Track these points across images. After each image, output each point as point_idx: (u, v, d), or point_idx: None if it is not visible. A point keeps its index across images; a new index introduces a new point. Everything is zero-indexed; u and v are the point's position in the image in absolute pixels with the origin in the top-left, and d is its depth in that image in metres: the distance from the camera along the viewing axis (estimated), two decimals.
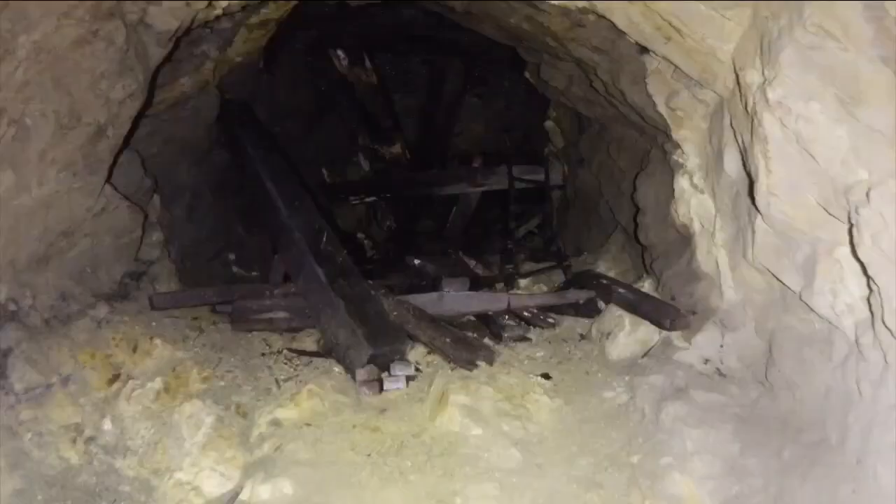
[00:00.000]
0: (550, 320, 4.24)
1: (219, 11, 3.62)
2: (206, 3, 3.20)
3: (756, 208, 2.64)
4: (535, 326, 4.23)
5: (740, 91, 2.62)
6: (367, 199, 7.29)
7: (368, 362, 3.29)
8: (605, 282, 4.22)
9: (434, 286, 4.94)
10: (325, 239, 3.74)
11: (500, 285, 5.38)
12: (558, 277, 5.27)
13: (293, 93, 6.98)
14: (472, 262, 5.62)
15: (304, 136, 7.37)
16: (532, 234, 7.16)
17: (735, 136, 2.85)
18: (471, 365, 3.26)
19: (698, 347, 3.27)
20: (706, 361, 3.27)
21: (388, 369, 3.37)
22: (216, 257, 6.09)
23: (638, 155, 4.41)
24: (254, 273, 6.08)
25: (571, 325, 4.26)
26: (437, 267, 5.32)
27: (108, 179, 3.70)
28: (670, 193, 3.72)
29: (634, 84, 3.51)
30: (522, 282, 5.16)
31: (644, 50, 3.36)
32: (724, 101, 2.99)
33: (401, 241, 7.54)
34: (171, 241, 5.03)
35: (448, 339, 3.42)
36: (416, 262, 5.31)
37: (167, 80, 4.35)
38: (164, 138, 4.87)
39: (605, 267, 5.05)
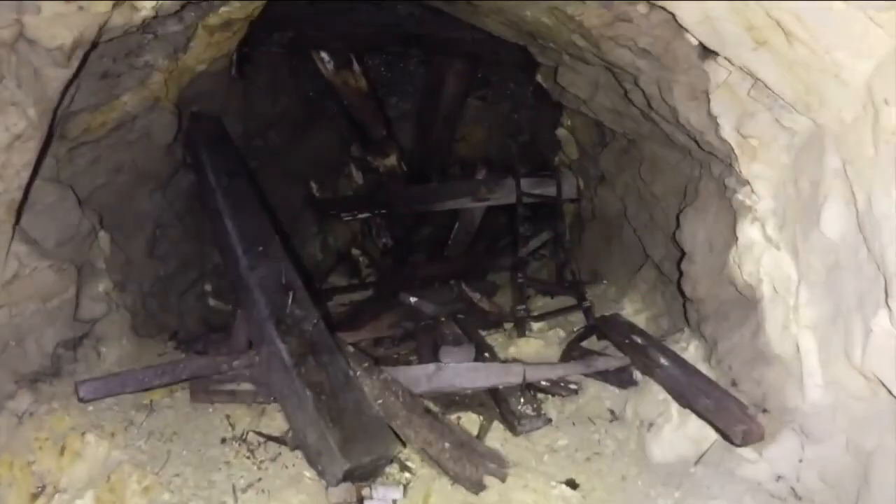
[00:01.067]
0: (572, 386, 3.36)
1: (147, 13, 2.72)
2: (109, 4, 2.29)
3: (887, 305, 1.74)
4: (553, 395, 3.36)
5: (874, 130, 1.70)
6: (360, 216, 6.38)
7: (344, 478, 2.41)
8: (640, 340, 3.33)
9: (432, 332, 4.09)
10: (291, 300, 2.85)
11: (507, 325, 4.51)
12: (577, 317, 4.37)
13: (275, 101, 6.05)
14: (476, 296, 4.73)
15: (289, 148, 6.45)
16: (541, 253, 6.27)
17: (849, 187, 1.94)
18: (477, 487, 2.39)
19: (770, 461, 2.41)
20: (778, 479, 2.42)
21: (369, 482, 2.49)
22: (189, 291, 5.21)
23: (679, 182, 3.49)
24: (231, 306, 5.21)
25: (598, 392, 3.39)
26: (435, 305, 4.43)
27: (21, 236, 2.83)
28: (730, 240, 2.83)
29: (692, 99, 2.60)
30: (535, 325, 4.26)
31: (707, 55, 2.44)
32: (826, 135, 2.07)
33: (398, 261, 6.64)
34: (126, 285, 4.17)
35: (447, 445, 2.54)
36: (412, 300, 4.42)
37: (104, 100, 3.46)
38: (113, 166, 3.98)
39: (632, 308, 4.16)
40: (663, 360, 3.05)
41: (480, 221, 6.33)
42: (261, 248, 3.18)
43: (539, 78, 4.47)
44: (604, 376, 3.28)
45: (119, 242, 4.18)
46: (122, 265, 4.18)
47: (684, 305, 3.50)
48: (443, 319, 4.21)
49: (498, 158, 8.29)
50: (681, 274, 3.29)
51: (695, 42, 2.49)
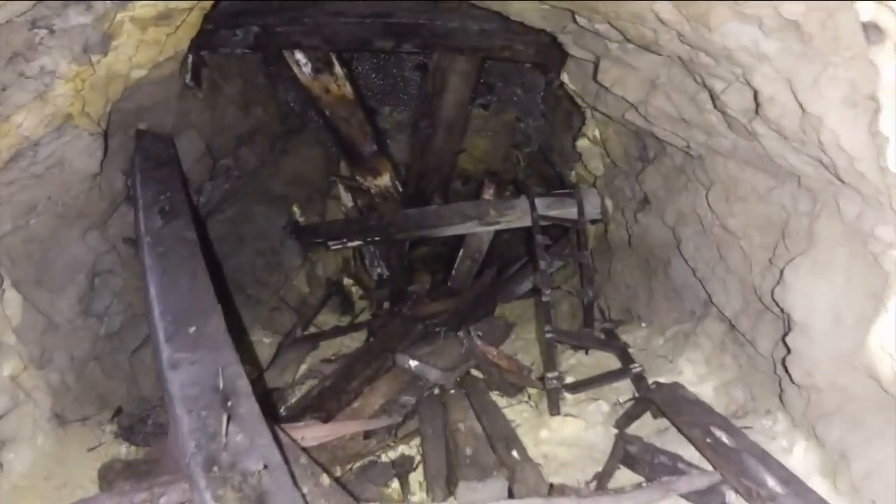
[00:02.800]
0: None
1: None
2: None
3: None
4: None
5: None
6: (350, 244, 5.33)
7: None
8: (727, 440, 2.29)
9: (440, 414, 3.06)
10: (227, 422, 1.80)
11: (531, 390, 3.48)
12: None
13: (248, 112, 4.99)
14: (491, 352, 3.69)
15: (267, 167, 5.39)
16: (557, 281, 5.24)
17: None
18: None
19: None
20: None
21: None
22: (144, 347, 4.16)
23: (771, 218, 2.47)
24: None
25: None
26: (441, 369, 3.39)
27: None
28: (871, 314, 1.82)
29: (849, 106, 1.57)
30: (570, 396, 3.22)
31: (880, 38, 1.40)
32: None
33: (395, 293, 5.58)
34: (48, 359, 3.15)
35: None
36: (412, 363, 3.37)
37: None
38: (20, 207, 2.95)
39: (693, 373, 3.13)
40: (773, 484, 2.02)
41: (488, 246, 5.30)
42: (192, 330, 2.12)
43: (565, 77, 3.43)
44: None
45: (38, 303, 3.15)
46: (43, 332, 3.15)
47: (780, 385, 2.47)
48: (451, 391, 3.18)
49: (503, 172, 7.30)
50: (787, 350, 2.25)
51: (865, 17, 1.45)
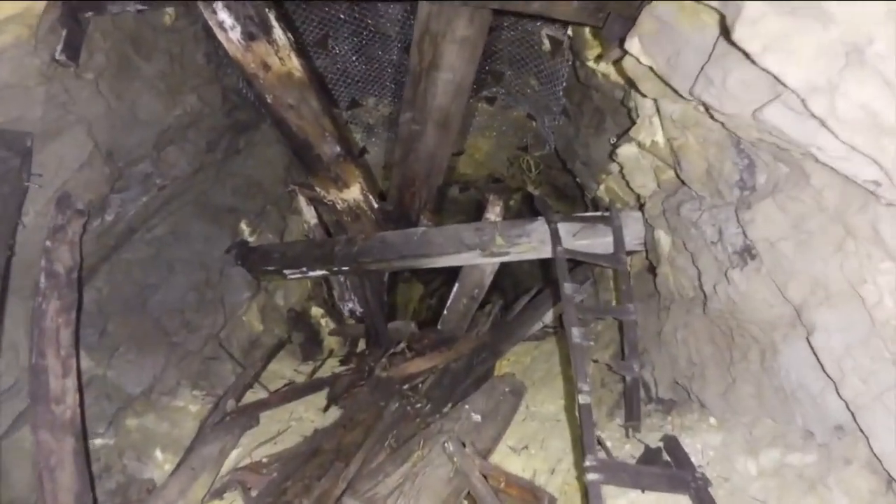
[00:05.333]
0: None
1: None
2: None
3: None
4: None
5: None
6: (311, 275, 3.85)
7: None
8: None
9: None
10: None
11: None
12: None
13: (174, 101, 3.51)
14: (494, 475, 2.24)
15: (206, 171, 3.91)
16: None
17: None
18: None
19: None
20: None
21: None
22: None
23: None
24: None
25: None
26: None
27: None
28: None
29: None
30: None
31: None
32: None
33: (372, 334, 4.12)
34: None
35: None
36: None
37: None
38: None
39: None
40: None
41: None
42: None
43: (634, 46, 1.94)
44: None
45: None
46: None
47: None
48: None
49: (508, 179, 5.81)
50: None
51: None
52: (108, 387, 3.51)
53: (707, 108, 1.85)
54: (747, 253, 2.25)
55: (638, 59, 1.95)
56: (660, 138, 2.57)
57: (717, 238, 2.45)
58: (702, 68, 1.71)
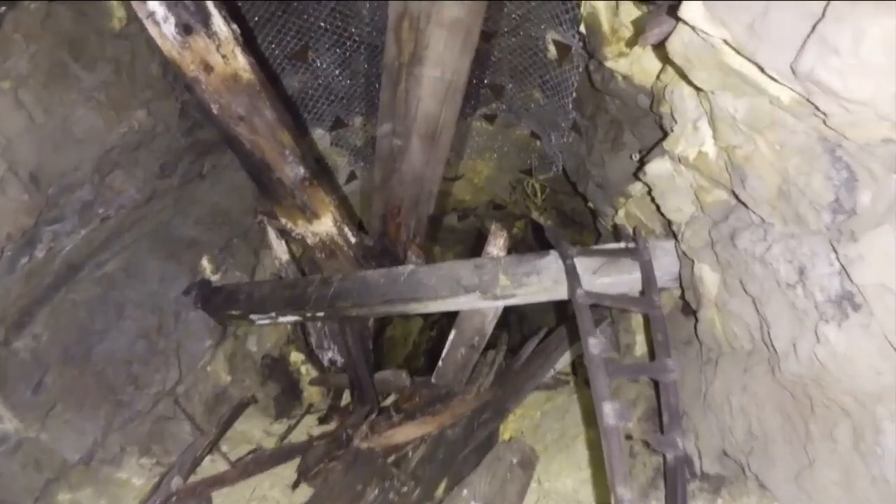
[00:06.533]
0: None
1: None
2: None
3: None
4: None
5: None
6: (283, 321, 3.18)
7: None
8: None
9: None
10: None
11: None
12: None
13: (117, 114, 2.91)
14: None
15: (164, 199, 3.29)
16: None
17: None
18: None
19: None
20: None
21: None
22: None
23: None
24: None
25: None
26: None
27: None
28: None
29: None
30: None
31: None
32: None
33: (357, 386, 3.43)
34: None
35: None
36: None
37: None
38: None
39: None
40: None
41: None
42: None
43: (695, 13, 1.29)
44: None
45: None
46: None
47: None
48: None
49: (511, 205, 5.17)
50: None
51: None
52: (40, 452, 2.84)
53: (808, 98, 1.20)
54: (848, 302, 1.58)
55: (698, 33, 1.32)
56: (710, 148, 1.93)
57: (796, 279, 1.78)
58: (813, 28, 1.07)
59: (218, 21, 2.04)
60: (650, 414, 2.80)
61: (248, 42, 2.15)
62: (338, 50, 4.11)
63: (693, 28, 1.34)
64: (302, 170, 2.44)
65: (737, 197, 1.96)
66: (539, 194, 4.35)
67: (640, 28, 1.96)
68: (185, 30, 2.09)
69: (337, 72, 4.22)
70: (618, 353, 3.37)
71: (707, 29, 1.28)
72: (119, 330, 3.15)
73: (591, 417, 3.13)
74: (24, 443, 2.80)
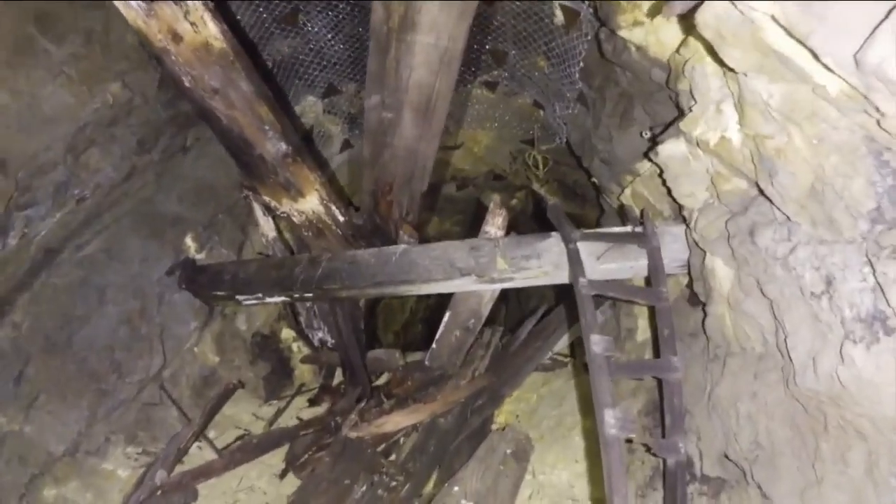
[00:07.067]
0: None
1: None
2: None
3: None
4: None
5: None
6: (270, 301, 3.02)
7: None
8: None
9: None
10: None
11: None
12: None
13: (89, 88, 2.67)
14: None
15: (144, 175, 3.08)
16: None
17: None
18: None
19: None
20: None
21: None
22: None
23: None
24: None
25: None
26: None
27: None
28: None
29: None
30: None
31: None
32: None
33: (348, 369, 3.30)
34: None
35: None
36: None
37: None
38: None
39: None
40: None
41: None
42: None
43: None
44: None
45: None
46: None
47: None
48: None
49: (511, 176, 4.92)
50: None
51: None
52: (25, 446, 2.72)
53: (865, 94, 0.98)
54: (881, 324, 1.39)
55: (737, 4, 1.09)
56: (734, 134, 1.71)
57: (822, 289, 1.59)
58: (888, 14, 0.84)
59: None
60: (650, 408, 2.66)
61: (221, 7, 1.90)
62: (330, 13, 3.78)
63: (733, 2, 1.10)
64: (284, 146, 2.22)
65: (760, 189, 1.75)
66: (541, 166, 4.10)
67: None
68: None
69: (329, 36, 3.90)
70: (618, 338, 3.21)
71: (754, 5, 1.04)
72: (101, 315, 2.99)
73: (588, 406, 2.99)
74: (7, 437, 2.68)
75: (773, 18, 1.05)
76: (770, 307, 1.86)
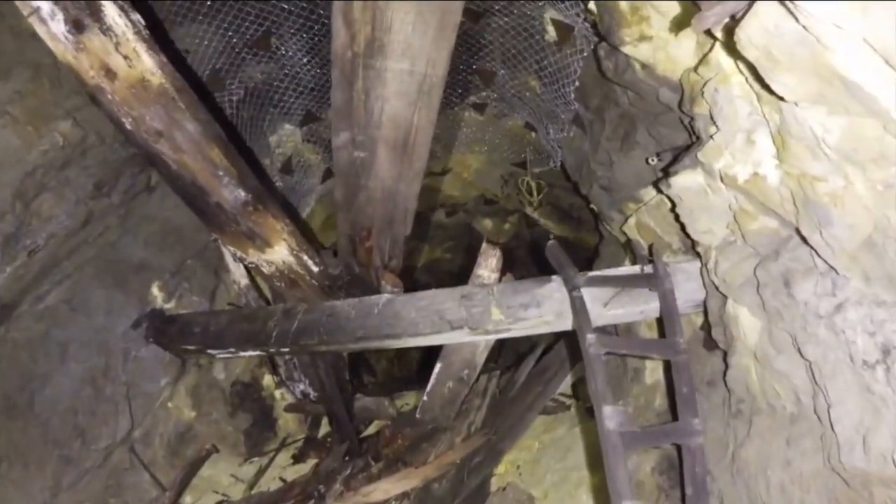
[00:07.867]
0: None
1: None
2: None
3: None
4: None
5: None
6: (244, 354, 2.70)
7: None
8: None
9: None
10: None
11: None
12: None
13: (36, 129, 2.37)
14: None
15: (105, 220, 2.77)
16: None
17: None
18: None
19: None
20: None
21: None
22: None
23: None
24: None
25: None
26: None
27: None
28: None
29: None
30: None
31: None
32: None
33: (335, 421, 2.97)
34: None
35: None
36: None
37: None
38: None
39: None
40: None
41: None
42: None
43: None
44: None
45: None
46: None
47: None
48: None
49: (503, 200, 4.62)
50: None
51: None
52: None
53: None
54: None
55: (799, 17, 0.79)
56: (770, 171, 1.41)
57: (877, 358, 1.30)
58: None
59: (112, 12, 1.51)
60: (664, 466, 2.35)
61: (158, 36, 1.61)
62: (304, 34, 3.50)
63: (790, 10, 0.81)
64: (242, 193, 1.93)
65: (800, 235, 1.45)
66: (535, 193, 3.81)
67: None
68: (76, 27, 1.55)
69: (305, 59, 3.61)
70: (623, 380, 2.90)
71: (823, 14, 0.75)
72: (63, 373, 2.68)
73: (595, 459, 2.67)
74: None
75: (866, 41, 0.76)
76: (808, 368, 1.56)
